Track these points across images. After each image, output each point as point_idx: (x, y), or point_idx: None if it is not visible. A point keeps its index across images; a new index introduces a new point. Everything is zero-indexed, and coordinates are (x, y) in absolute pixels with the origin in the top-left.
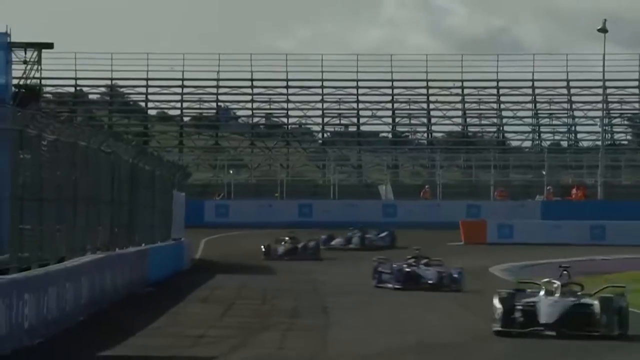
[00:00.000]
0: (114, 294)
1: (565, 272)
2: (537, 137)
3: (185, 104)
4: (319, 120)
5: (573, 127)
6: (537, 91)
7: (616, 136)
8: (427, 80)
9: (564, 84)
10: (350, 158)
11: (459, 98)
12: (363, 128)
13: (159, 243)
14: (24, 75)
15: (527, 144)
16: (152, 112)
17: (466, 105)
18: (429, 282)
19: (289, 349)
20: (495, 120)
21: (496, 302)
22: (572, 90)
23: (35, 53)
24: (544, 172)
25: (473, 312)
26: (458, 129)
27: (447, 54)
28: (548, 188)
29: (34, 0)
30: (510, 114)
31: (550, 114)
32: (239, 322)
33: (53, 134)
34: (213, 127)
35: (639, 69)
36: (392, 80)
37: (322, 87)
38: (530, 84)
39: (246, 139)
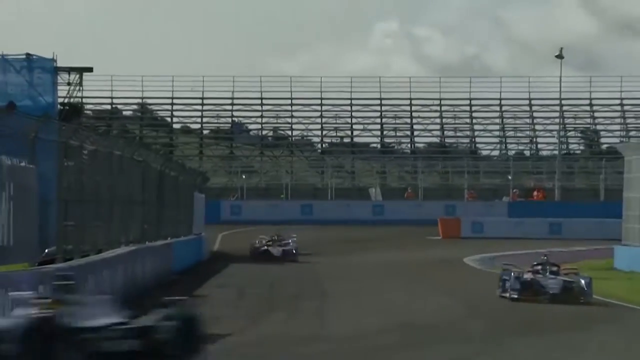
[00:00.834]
0: (144, 281)
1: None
2: (503, 147)
3: (204, 119)
4: (318, 132)
5: (534, 139)
6: (503, 108)
7: (571, 146)
8: (410, 99)
9: (527, 102)
10: (345, 165)
11: (437, 114)
12: (356, 139)
13: (182, 237)
14: (68, 95)
15: (495, 153)
16: (176, 126)
17: (443, 120)
18: (551, 292)
19: (294, 327)
20: (468, 132)
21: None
22: (534, 107)
23: (77, 76)
24: (509, 177)
25: (450, 297)
26: (436, 140)
27: (427, 76)
28: (513, 190)
29: (76, 29)
30: (480, 127)
31: (515, 127)
32: (251, 305)
33: (92, 145)
34: (228, 139)
35: (589, 89)
36: (381, 99)
37: (321, 104)
38: (497, 102)
39: (256, 149)
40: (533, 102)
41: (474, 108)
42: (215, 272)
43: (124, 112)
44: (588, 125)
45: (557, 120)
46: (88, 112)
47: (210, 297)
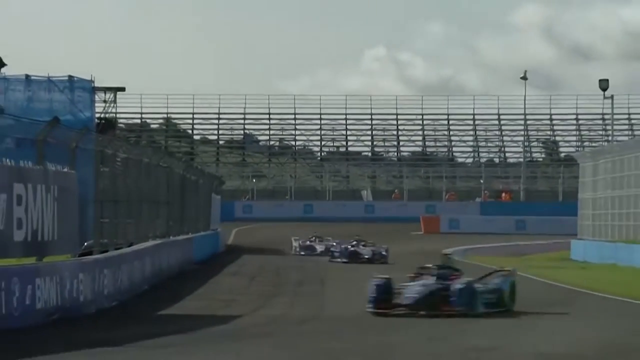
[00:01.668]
0: (168, 270)
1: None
2: (476, 156)
3: (220, 131)
4: (318, 143)
5: (502, 148)
6: (476, 122)
7: (534, 155)
8: (397, 114)
9: (496, 116)
10: (341, 170)
11: (419, 127)
12: (350, 148)
13: (201, 232)
14: (104, 111)
15: (469, 160)
16: (196, 137)
17: (425, 132)
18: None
19: (297, 309)
20: (446, 143)
21: None
22: (502, 121)
23: (112, 94)
24: (481, 181)
25: None
26: (419, 149)
27: (411, 95)
28: (485, 192)
29: (110, 55)
30: (456, 138)
31: (486, 138)
32: (260, 290)
33: (124, 153)
34: (241, 148)
35: (549, 105)
36: (371, 114)
37: (320, 119)
38: (471, 116)
39: (265, 157)
40: (501, 116)
41: (451, 122)
42: (230, 262)
43: (152, 125)
44: (548, 137)
45: (522, 132)
46: (121, 125)
47: (225, 283)
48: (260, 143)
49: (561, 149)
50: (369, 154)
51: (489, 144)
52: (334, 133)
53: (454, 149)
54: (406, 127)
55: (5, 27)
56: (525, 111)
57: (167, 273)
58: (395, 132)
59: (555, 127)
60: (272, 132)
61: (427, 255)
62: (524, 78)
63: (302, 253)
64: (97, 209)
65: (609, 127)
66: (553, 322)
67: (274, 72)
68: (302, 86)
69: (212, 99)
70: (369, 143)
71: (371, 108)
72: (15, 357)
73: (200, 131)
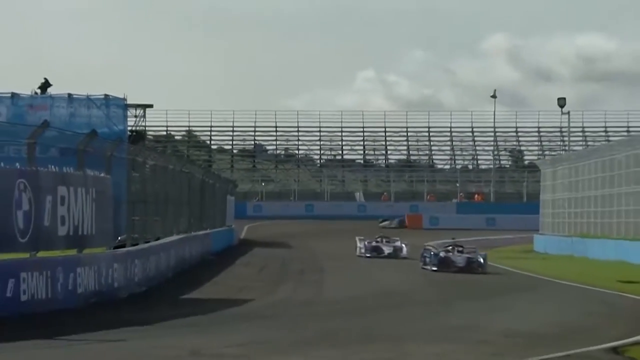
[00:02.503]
0: (190, 260)
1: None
2: (453, 163)
3: (234, 142)
4: (317, 151)
5: (475, 156)
6: (453, 133)
7: (502, 162)
8: (385, 127)
9: (470, 129)
10: (337, 175)
11: (404, 138)
12: (345, 157)
13: (218, 228)
14: (135, 124)
15: (447, 166)
16: (214, 147)
17: (409, 142)
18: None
19: (299, 294)
20: (427, 152)
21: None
22: (475, 133)
23: (141, 110)
24: (457, 185)
25: (413, 272)
26: (404, 157)
27: (397, 110)
28: (460, 194)
29: (140, 76)
30: (436, 148)
31: (461, 148)
32: (268, 278)
33: (152, 161)
34: (251, 156)
35: (515, 120)
36: (363, 127)
37: (320, 131)
38: (448, 129)
39: (272, 164)
40: (474, 129)
41: (431, 133)
42: (242, 254)
43: (176, 137)
44: (514, 146)
45: (491, 143)
46: (149, 137)
47: (238, 272)
48: (269, 152)
49: (525, 157)
50: (362, 161)
51: (464, 153)
52: (331, 143)
53: (434, 156)
54: (393, 138)
55: (49, 51)
56: (494, 124)
57: (189, 263)
58: (383, 143)
59: (520, 138)
60: (278, 142)
61: (413, 248)
62: (494, 96)
63: (368, 255)
64: (129, 209)
65: (566, 139)
66: (521, 304)
67: (280, 91)
68: (304, 103)
69: (227, 114)
70: (361, 152)
71: (363, 122)
72: (59, 334)
73: (217, 142)
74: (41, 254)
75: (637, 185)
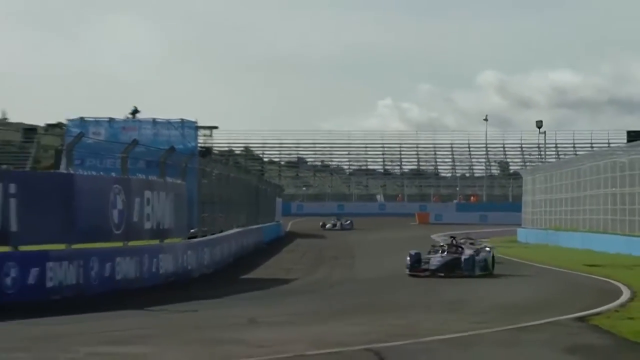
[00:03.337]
0: (247, 248)
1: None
2: (453, 171)
3: (282, 155)
4: (347, 163)
5: (471, 167)
6: (453, 148)
7: (492, 171)
8: (400, 144)
9: (467, 144)
10: (362, 181)
11: (415, 152)
12: (369, 167)
13: (268, 223)
14: (203, 142)
15: (449, 174)
16: (265, 159)
17: (419, 155)
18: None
19: (335, 274)
20: (433, 163)
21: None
22: (471, 148)
23: (209, 131)
24: (457, 189)
25: None
26: (415, 167)
27: (409, 131)
28: (459, 196)
29: (209, 104)
30: (440, 160)
31: (460, 160)
32: (308, 262)
33: (217, 170)
34: (295, 167)
35: (503, 138)
36: (383, 144)
37: (349, 147)
38: (450, 145)
39: (311, 172)
40: (470, 145)
41: (436, 148)
42: (288, 243)
43: (236, 151)
44: (502, 159)
45: (484, 156)
46: (215, 151)
47: (285, 258)
48: (308, 163)
49: (511, 167)
50: (382, 170)
51: (462, 164)
52: (358, 156)
53: (439, 167)
54: (406, 152)
55: (136, 85)
56: (486, 141)
57: (246, 250)
58: (399, 156)
59: (506, 152)
60: (316, 155)
61: (422, 239)
62: (486, 119)
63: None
64: (200, 208)
65: (542, 153)
66: (506, 283)
67: (318, 115)
68: (336, 125)
69: (276, 133)
70: (382, 163)
71: (382, 139)
72: (146, 305)
73: (268, 155)
74: (131, 243)
75: (598, 189)
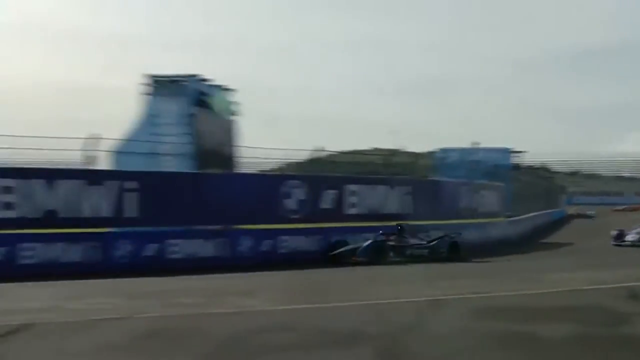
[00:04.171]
0: (542, 225)
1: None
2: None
3: (564, 166)
4: None
5: None
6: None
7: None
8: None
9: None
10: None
11: None
12: None
13: (555, 209)
14: (513, 161)
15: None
16: (556, 171)
17: None
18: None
19: (595, 243)
20: None
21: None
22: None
23: (517, 155)
24: None
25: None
26: None
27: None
28: None
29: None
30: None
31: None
32: (581, 235)
33: (524, 177)
34: (574, 174)
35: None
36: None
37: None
38: None
39: (579, 177)
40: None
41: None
42: (567, 223)
43: (535, 166)
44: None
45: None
46: (523, 166)
47: (567, 230)
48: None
49: None
50: None
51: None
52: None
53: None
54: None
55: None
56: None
57: (540, 226)
58: None
59: None
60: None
61: None
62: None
63: None
64: (514, 200)
65: None
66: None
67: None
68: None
69: (566, 155)
70: None
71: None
72: (494, 256)
73: (557, 169)
74: (473, 221)
75: None
